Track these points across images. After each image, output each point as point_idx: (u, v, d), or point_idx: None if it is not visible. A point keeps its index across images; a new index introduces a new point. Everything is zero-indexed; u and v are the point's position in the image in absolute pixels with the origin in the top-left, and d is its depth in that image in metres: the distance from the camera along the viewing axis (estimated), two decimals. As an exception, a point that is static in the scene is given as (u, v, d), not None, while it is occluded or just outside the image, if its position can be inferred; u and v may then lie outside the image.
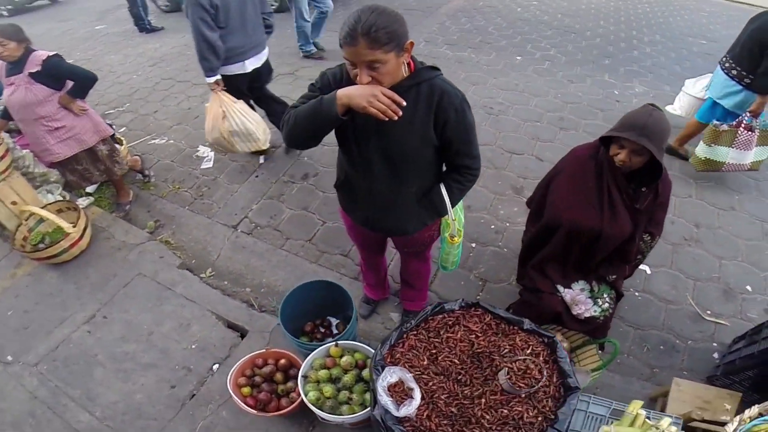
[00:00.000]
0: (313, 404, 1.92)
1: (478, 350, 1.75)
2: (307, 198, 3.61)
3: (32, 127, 3.04)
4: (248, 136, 3.39)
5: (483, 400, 1.61)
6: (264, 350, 2.28)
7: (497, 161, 3.85)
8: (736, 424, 1.53)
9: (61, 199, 3.57)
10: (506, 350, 1.73)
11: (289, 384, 2.18)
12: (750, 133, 3.21)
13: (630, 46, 6.09)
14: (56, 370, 2.56)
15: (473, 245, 3.14)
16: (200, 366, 2.53)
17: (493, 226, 3.28)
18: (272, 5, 5.93)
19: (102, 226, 3.44)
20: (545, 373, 1.61)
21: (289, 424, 2.24)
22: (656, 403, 2.28)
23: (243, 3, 3.08)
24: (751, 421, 1.52)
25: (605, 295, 2.18)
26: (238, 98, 3.36)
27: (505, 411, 1.58)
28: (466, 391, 1.65)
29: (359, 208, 1.94)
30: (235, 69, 3.28)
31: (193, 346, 2.62)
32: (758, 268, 3.00)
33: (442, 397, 1.63)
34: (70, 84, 2.98)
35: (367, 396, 1.97)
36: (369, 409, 1.89)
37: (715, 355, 2.55)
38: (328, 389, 1.96)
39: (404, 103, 1.39)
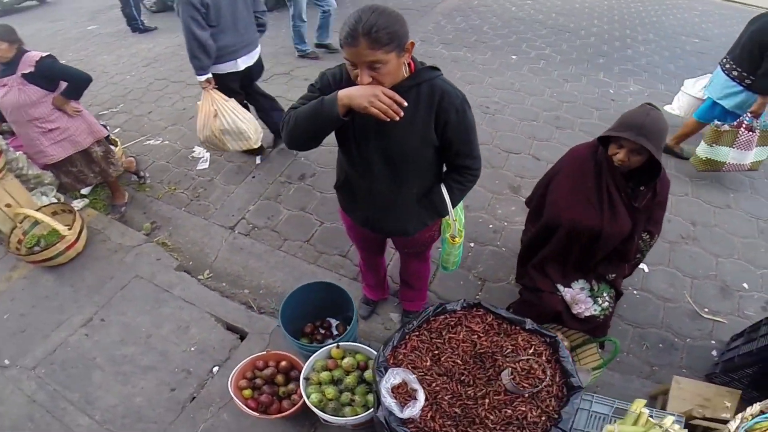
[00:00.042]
0: (315, 406, 1.91)
1: (481, 350, 1.75)
2: (305, 198, 3.59)
3: (26, 129, 3.00)
4: (239, 135, 3.38)
5: (486, 401, 1.61)
6: (264, 352, 2.27)
7: (494, 160, 3.86)
8: (738, 421, 1.54)
9: (56, 201, 3.53)
10: (509, 350, 1.74)
11: (291, 386, 2.17)
12: (751, 133, 3.24)
13: (624, 45, 6.12)
14: (54, 374, 2.53)
15: (472, 245, 3.14)
16: (200, 368, 2.51)
17: (491, 226, 3.29)
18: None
19: (98, 229, 3.41)
20: (549, 372, 1.61)
21: (290, 426, 2.23)
22: (656, 401, 2.29)
23: (234, 2, 3.09)
24: (753, 419, 1.54)
25: (605, 294, 2.19)
26: (231, 96, 3.36)
27: (509, 411, 1.58)
28: (469, 392, 1.65)
29: (359, 208, 1.93)
30: (227, 67, 3.28)
31: (193, 349, 2.60)
32: (754, 266, 3.03)
33: (446, 397, 1.63)
34: (63, 85, 2.95)
35: (370, 397, 1.96)
36: (372, 410, 1.89)
37: (714, 353, 2.57)
38: (330, 391, 1.95)
39: (405, 104, 1.39)
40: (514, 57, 5.65)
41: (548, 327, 2.22)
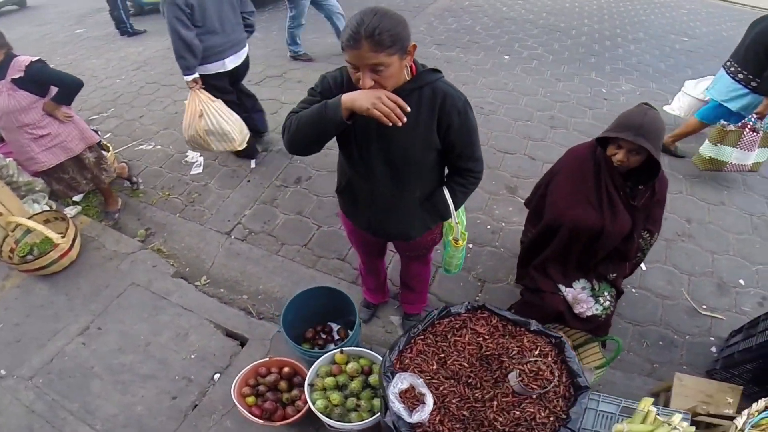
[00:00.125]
0: (321, 412, 1.89)
1: (487, 353, 1.74)
2: (301, 202, 3.57)
3: (16, 135, 2.95)
4: (223, 136, 3.37)
5: (495, 403, 1.61)
6: (267, 359, 2.24)
7: (490, 161, 3.86)
8: (745, 417, 1.55)
9: (48, 209, 3.47)
10: (514, 352, 1.73)
11: (294, 392, 2.16)
12: (754, 134, 3.27)
13: (615, 44, 6.18)
14: (52, 383, 2.49)
15: (470, 246, 3.14)
16: (201, 376, 2.48)
17: (489, 227, 3.29)
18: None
19: (91, 236, 3.36)
20: (556, 373, 1.61)
21: (295, 432, 2.21)
22: (658, 398, 2.30)
23: (220, 2, 3.10)
24: (759, 415, 1.55)
25: (606, 293, 2.20)
26: (222, 96, 3.39)
27: (518, 412, 1.58)
28: (477, 394, 1.64)
29: (361, 212, 1.92)
30: (215, 68, 3.29)
31: (193, 356, 2.57)
32: (749, 262, 3.06)
33: (454, 401, 1.62)
34: (54, 90, 2.89)
35: (375, 402, 1.95)
36: (378, 415, 1.88)
37: (713, 349, 2.60)
38: (335, 397, 1.94)
39: (409, 109, 1.37)
40: (506, 57, 5.68)
41: (550, 327, 2.23)
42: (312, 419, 2.05)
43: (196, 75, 3.16)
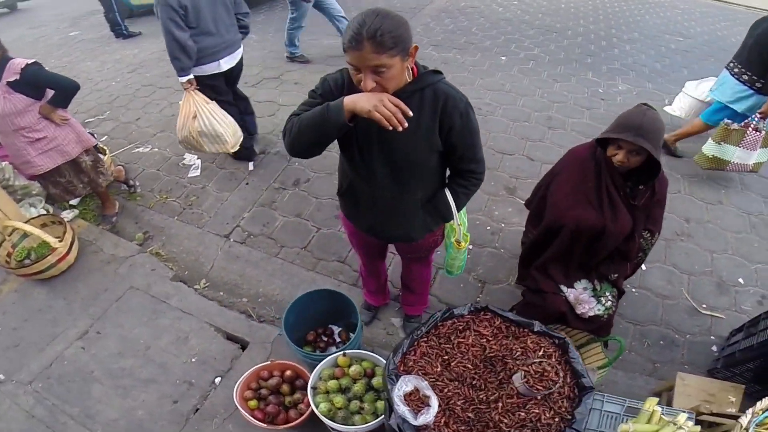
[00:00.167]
0: (325, 416, 1.88)
1: (491, 354, 1.74)
2: (300, 204, 3.56)
3: (12, 139, 2.92)
4: (216, 138, 3.37)
5: (500, 404, 1.61)
6: (269, 362, 2.23)
7: (489, 162, 3.78)
8: (749, 416, 1.55)
9: (45, 212, 3.45)
10: (518, 353, 1.73)
11: (296, 395, 2.14)
12: (757, 133, 3.28)
13: (610, 45, 6.20)
14: (52, 388, 2.47)
15: (470, 247, 3.13)
16: (202, 380, 2.47)
17: (488, 228, 3.29)
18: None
19: (89, 240, 3.34)
20: (561, 374, 1.61)
21: (297, 436, 2.20)
22: (661, 397, 2.30)
23: (214, 3, 3.11)
24: (763, 413, 1.55)
25: (607, 294, 2.20)
26: (220, 97, 3.41)
27: (522, 414, 1.58)
28: (481, 396, 1.64)
29: (363, 215, 1.90)
30: (210, 68, 3.30)
31: (193, 360, 2.55)
32: (748, 261, 3.07)
33: (459, 402, 1.62)
34: (50, 93, 2.87)
35: (378, 405, 1.94)
36: (382, 417, 1.87)
37: (714, 348, 2.60)
38: (338, 400, 1.93)
39: (411, 114, 1.36)
40: (503, 58, 5.68)
41: (552, 328, 2.23)
42: (315, 422, 2.03)
43: (191, 76, 3.17)
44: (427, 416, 1.52)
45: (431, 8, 7.31)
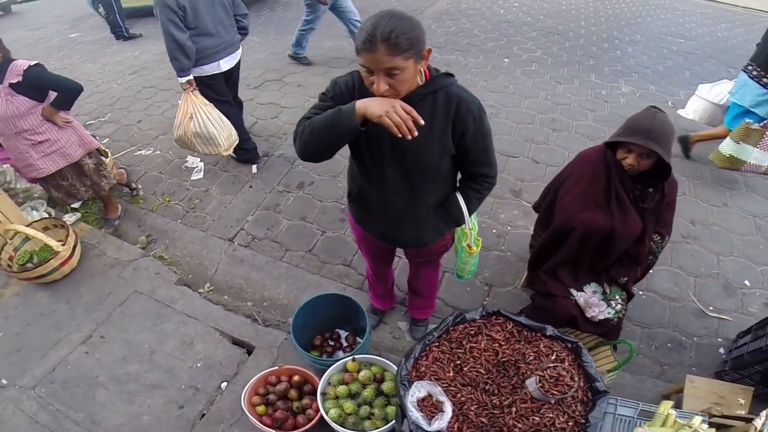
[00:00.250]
0: (335, 422, 1.86)
1: (503, 359, 1.73)
2: (305, 207, 3.54)
3: (14, 142, 2.90)
4: (209, 140, 3.37)
5: (513, 409, 1.59)
6: (276, 367, 2.21)
7: (493, 164, 3.86)
8: (763, 418, 1.54)
9: (47, 216, 3.42)
10: (531, 357, 1.72)
11: (305, 401, 2.13)
12: None
13: (612, 46, 6.20)
14: (56, 393, 2.44)
15: (476, 250, 3.12)
16: (208, 385, 2.44)
17: (494, 230, 3.28)
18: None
19: (92, 243, 3.31)
20: (576, 379, 1.60)
21: (306, 441, 2.18)
22: (669, 400, 2.28)
23: (212, 4, 3.13)
24: (777, 417, 1.54)
25: (617, 297, 2.19)
26: (217, 98, 3.42)
27: (537, 418, 1.56)
28: (495, 401, 1.63)
29: (374, 220, 1.88)
30: (211, 69, 3.32)
31: (199, 365, 2.53)
32: (754, 263, 3.07)
33: (472, 408, 1.61)
34: (53, 95, 2.85)
35: (388, 410, 1.93)
36: (392, 422, 1.86)
37: (721, 350, 2.59)
38: (348, 405, 1.91)
39: (422, 122, 1.34)
40: (506, 60, 5.68)
41: (563, 331, 2.22)
42: (324, 428, 2.02)
43: (191, 77, 3.18)
44: (441, 422, 1.51)
45: (432, 10, 7.31)
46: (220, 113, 3.39)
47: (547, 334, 1.78)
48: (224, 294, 2.98)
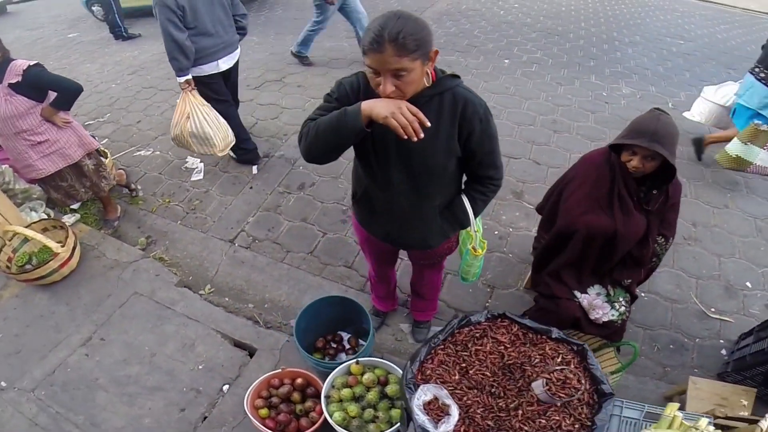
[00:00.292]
0: (339, 425, 1.85)
1: (509, 362, 1.72)
2: (306, 209, 3.53)
3: (13, 142, 2.88)
4: (205, 141, 3.37)
5: (520, 412, 1.58)
6: (279, 370, 2.20)
7: (495, 165, 3.85)
8: (769, 420, 1.55)
9: (46, 217, 3.40)
10: (537, 360, 1.71)
11: (308, 403, 2.11)
12: None
13: (612, 48, 6.21)
14: (55, 396, 2.42)
15: (479, 251, 3.12)
16: (209, 387, 2.43)
17: (496, 232, 3.27)
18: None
19: (91, 245, 3.29)
20: (583, 382, 1.59)
21: (308, 444, 2.16)
22: (672, 401, 2.28)
23: (211, 4, 3.14)
24: (784, 419, 1.54)
25: (621, 299, 2.19)
26: (216, 98, 3.42)
27: (543, 421, 1.55)
28: (501, 404, 1.62)
29: (379, 222, 1.87)
30: (210, 68, 3.32)
31: (200, 367, 2.51)
32: (755, 265, 3.07)
33: (478, 411, 1.60)
34: (52, 95, 2.83)
35: (392, 413, 1.92)
36: (396, 425, 1.84)
37: (723, 352, 2.60)
38: (352, 408, 1.90)
39: (428, 124, 1.32)
40: (506, 61, 5.68)
41: (567, 333, 2.21)
42: (327, 431, 2.01)
43: (189, 76, 3.18)
44: (448, 425, 1.50)
45: (432, 11, 7.31)
46: (217, 114, 3.38)
47: (553, 336, 1.77)
48: (225, 296, 2.97)
